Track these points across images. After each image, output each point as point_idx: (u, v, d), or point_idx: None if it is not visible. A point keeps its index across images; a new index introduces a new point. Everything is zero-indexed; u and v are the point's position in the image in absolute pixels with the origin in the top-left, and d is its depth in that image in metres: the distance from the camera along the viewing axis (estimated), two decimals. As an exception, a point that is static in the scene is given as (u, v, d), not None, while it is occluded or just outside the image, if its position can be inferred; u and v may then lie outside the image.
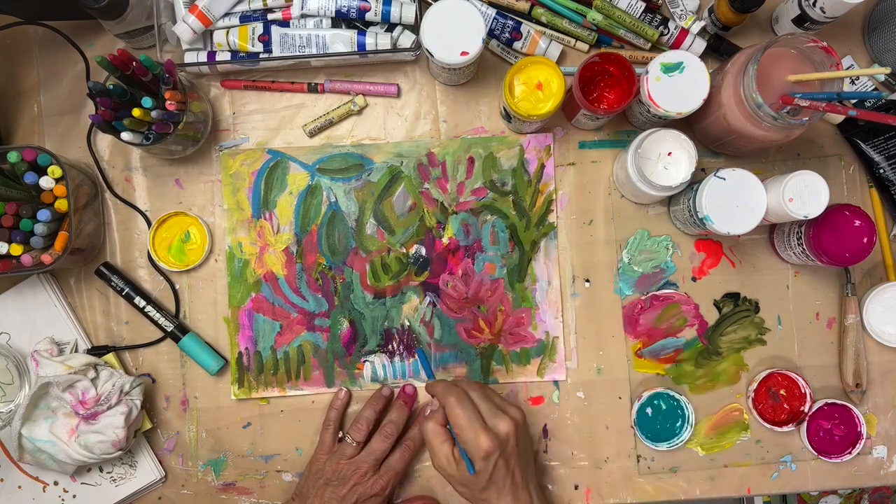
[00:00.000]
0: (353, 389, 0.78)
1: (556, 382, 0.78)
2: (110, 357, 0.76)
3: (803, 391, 0.75)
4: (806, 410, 0.75)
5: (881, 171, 0.76)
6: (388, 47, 0.74)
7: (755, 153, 0.78)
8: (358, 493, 0.71)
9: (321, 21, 0.75)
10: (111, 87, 0.68)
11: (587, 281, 0.78)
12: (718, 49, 0.76)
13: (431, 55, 0.68)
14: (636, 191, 0.72)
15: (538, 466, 0.77)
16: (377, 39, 0.74)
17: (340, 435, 0.76)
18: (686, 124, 0.74)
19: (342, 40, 0.74)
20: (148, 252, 0.77)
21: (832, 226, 0.69)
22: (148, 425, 0.76)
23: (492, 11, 0.75)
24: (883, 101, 0.76)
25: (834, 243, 0.69)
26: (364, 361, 0.78)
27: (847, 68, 0.77)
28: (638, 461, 0.77)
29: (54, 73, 0.79)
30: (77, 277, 0.78)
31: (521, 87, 0.71)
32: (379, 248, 0.78)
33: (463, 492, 0.66)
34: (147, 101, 0.68)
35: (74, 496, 0.77)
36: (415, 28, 0.75)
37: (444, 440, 0.65)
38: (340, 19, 0.75)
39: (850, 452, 0.74)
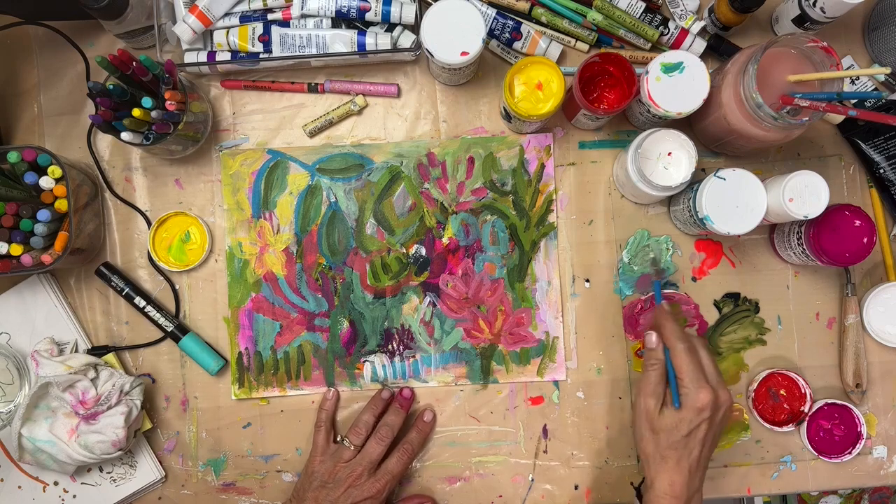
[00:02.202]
0: (353, 390, 0.78)
1: (556, 382, 0.78)
2: (110, 357, 0.76)
3: (803, 391, 0.75)
4: (806, 410, 0.75)
5: (881, 171, 0.76)
6: (388, 47, 0.74)
7: (755, 153, 0.78)
8: (352, 495, 0.70)
9: (321, 21, 0.75)
10: (111, 87, 0.68)
11: (587, 281, 0.78)
12: (718, 49, 0.76)
13: (431, 55, 0.68)
14: (636, 191, 0.72)
15: (539, 469, 0.77)
16: (377, 39, 0.74)
17: (339, 437, 0.76)
18: (686, 124, 0.74)
19: (342, 40, 0.74)
20: (148, 252, 0.77)
21: (832, 226, 0.69)
22: (148, 425, 0.76)
23: (492, 11, 0.75)
24: (883, 101, 0.76)
25: (834, 243, 0.69)
26: (364, 361, 0.78)
27: (847, 68, 0.77)
28: (638, 461, 0.77)
29: (54, 73, 0.79)
30: (77, 277, 0.78)
31: (521, 87, 0.71)
32: (379, 248, 0.78)
33: (648, 438, 0.65)
34: (147, 101, 0.68)
35: (74, 496, 0.77)
36: (415, 28, 0.75)
37: (661, 382, 0.65)
38: (340, 19, 0.75)
39: (850, 452, 0.74)
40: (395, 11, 0.73)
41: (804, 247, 0.71)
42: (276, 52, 0.75)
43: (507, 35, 0.75)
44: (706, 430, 0.63)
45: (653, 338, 0.67)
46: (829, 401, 0.75)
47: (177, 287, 0.78)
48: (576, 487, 0.77)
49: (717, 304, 0.78)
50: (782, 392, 0.76)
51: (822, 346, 0.78)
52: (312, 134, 0.78)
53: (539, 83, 0.70)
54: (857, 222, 0.69)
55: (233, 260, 0.78)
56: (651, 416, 0.64)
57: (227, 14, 0.76)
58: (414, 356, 0.78)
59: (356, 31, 0.74)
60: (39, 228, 0.69)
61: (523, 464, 0.77)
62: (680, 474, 0.63)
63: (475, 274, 0.78)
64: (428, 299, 0.78)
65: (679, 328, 0.66)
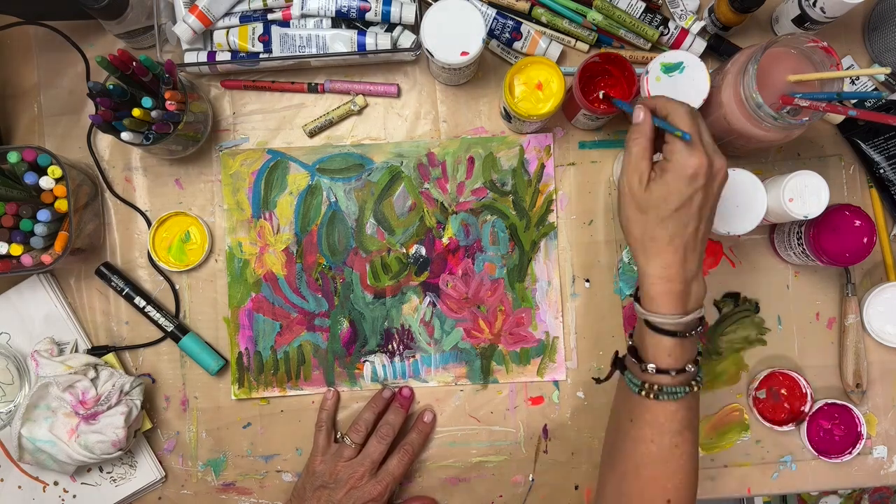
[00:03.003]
0: (353, 390, 0.78)
1: (556, 382, 0.78)
2: (110, 357, 0.76)
3: (804, 391, 0.75)
4: (806, 410, 0.75)
5: (881, 171, 0.76)
6: (388, 47, 0.74)
7: (755, 153, 0.78)
8: (354, 497, 0.70)
9: (321, 21, 0.75)
10: (111, 87, 0.68)
11: (587, 281, 0.78)
12: (718, 49, 0.76)
13: (431, 55, 0.68)
14: (636, 191, 0.72)
15: (539, 469, 0.77)
16: (377, 39, 0.74)
17: (339, 435, 0.76)
18: (686, 124, 0.74)
19: (342, 40, 0.74)
20: (148, 252, 0.77)
21: (832, 226, 0.69)
22: (148, 425, 0.76)
23: (492, 11, 0.75)
24: (883, 101, 0.76)
25: (834, 243, 0.69)
26: (364, 361, 0.78)
27: (847, 68, 0.77)
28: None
29: (54, 73, 0.79)
30: (77, 277, 0.78)
31: (521, 87, 0.71)
32: (379, 248, 0.78)
33: (634, 219, 0.56)
34: (147, 101, 0.68)
35: (74, 496, 0.77)
36: (415, 28, 0.75)
37: (646, 157, 0.56)
38: (340, 19, 0.75)
39: (850, 452, 0.74)
40: (395, 11, 0.73)
41: (804, 247, 0.71)
42: (276, 52, 0.75)
43: (507, 35, 0.75)
44: (701, 201, 0.54)
45: (640, 112, 0.57)
46: (829, 401, 0.75)
47: (177, 287, 0.78)
48: (576, 487, 0.77)
49: (717, 304, 0.78)
50: (783, 391, 0.76)
51: (822, 346, 0.78)
52: (312, 134, 0.78)
53: (539, 83, 0.70)
54: (857, 222, 0.69)
55: (233, 260, 0.78)
56: (636, 194, 0.55)
57: (227, 14, 0.76)
58: (414, 356, 0.78)
59: (356, 31, 0.74)
60: (39, 228, 0.69)
61: (523, 464, 0.77)
62: (674, 253, 0.55)
63: (475, 274, 0.78)
64: (428, 299, 0.78)
65: (669, 99, 0.57)
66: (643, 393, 0.57)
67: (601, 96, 0.71)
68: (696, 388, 0.57)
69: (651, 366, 0.56)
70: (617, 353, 0.63)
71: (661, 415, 0.56)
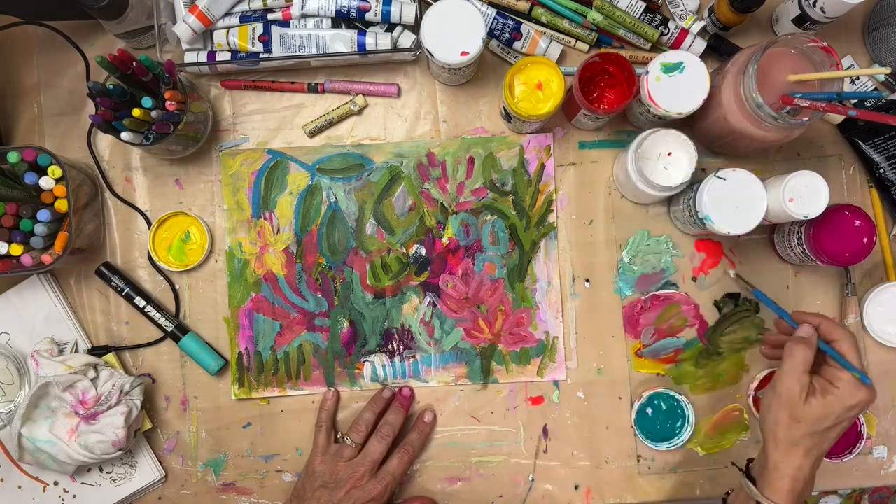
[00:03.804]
0: (353, 390, 0.78)
1: (556, 382, 0.78)
2: (110, 357, 0.76)
3: (803, 391, 0.75)
4: (806, 410, 0.75)
5: (881, 171, 0.76)
6: (388, 47, 0.74)
7: (755, 153, 0.78)
8: (355, 496, 0.70)
9: (321, 21, 0.75)
10: (111, 87, 0.68)
11: (587, 281, 0.78)
12: (718, 49, 0.76)
13: (431, 55, 0.68)
14: (636, 191, 0.72)
15: (539, 469, 0.77)
16: (377, 39, 0.74)
17: (339, 435, 0.76)
18: (686, 124, 0.74)
19: (342, 40, 0.74)
20: (148, 252, 0.77)
21: (832, 226, 0.69)
22: (148, 425, 0.76)
23: (492, 11, 0.75)
24: (883, 101, 0.76)
25: (834, 243, 0.69)
26: (364, 361, 0.78)
27: (847, 68, 0.77)
28: (638, 461, 0.77)
29: (54, 73, 0.79)
30: (77, 277, 0.78)
31: (521, 87, 0.71)
32: (379, 248, 0.78)
33: (783, 423, 0.61)
34: (147, 101, 0.68)
35: (74, 496, 0.77)
36: (415, 28, 0.75)
37: (807, 371, 0.61)
38: (340, 19, 0.75)
39: (850, 452, 0.74)
40: (395, 11, 0.73)
41: (804, 247, 0.71)
42: (276, 52, 0.75)
43: (507, 35, 0.75)
44: (848, 424, 0.61)
45: (809, 329, 0.63)
46: (829, 401, 0.75)
47: (177, 287, 0.78)
48: (576, 487, 0.77)
49: (717, 304, 0.78)
50: (782, 392, 0.76)
51: (822, 346, 0.78)
52: (312, 134, 0.78)
53: (539, 83, 0.70)
54: (857, 222, 0.69)
55: (233, 260, 0.78)
56: (794, 403, 0.60)
57: (227, 14, 0.76)
58: (414, 356, 0.78)
59: (356, 31, 0.74)
60: (39, 228, 0.69)
61: (523, 464, 0.77)
62: (808, 461, 0.61)
63: (475, 274, 0.78)
64: (428, 299, 0.78)
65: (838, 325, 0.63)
66: None
67: (753, 295, 0.72)
68: None
69: None
70: (749, 462, 0.67)
71: None
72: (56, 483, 0.77)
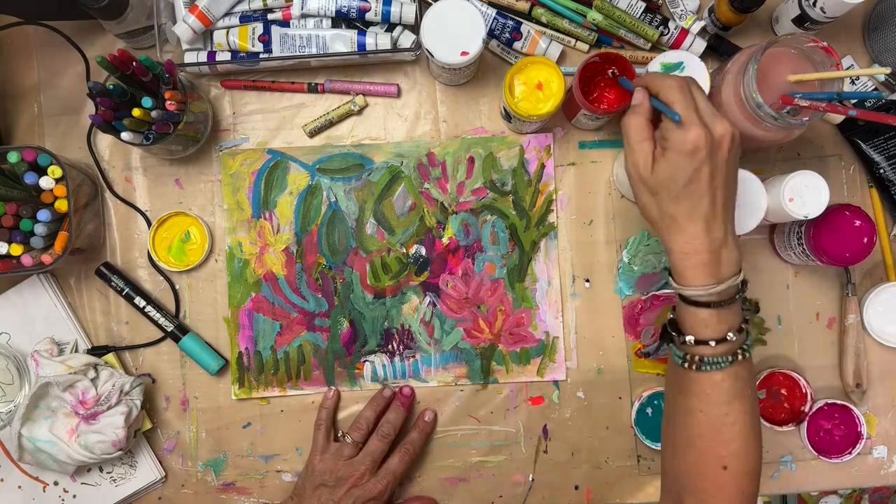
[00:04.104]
0: (353, 389, 0.78)
1: (556, 382, 0.78)
2: (110, 357, 0.76)
3: (804, 391, 0.75)
4: (806, 410, 0.75)
5: (881, 171, 0.76)
6: (388, 47, 0.74)
7: (755, 153, 0.78)
8: (355, 495, 0.70)
9: (321, 21, 0.75)
10: (111, 87, 0.68)
11: (587, 281, 0.78)
12: (718, 49, 0.76)
13: (431, 55, 0.68)
14: (636, 191, 0.72)
15: (539, 469, 0.77)
16: (377, 39, 0.74)
17: (339, 434, 0.76)
18: (686, 124, 0.74)
19: (342, 40, 0.74)
20: (148, 252, 0.77)
21: (832, 226, 0.69)
22: (148, 425, 0.76)
23: (492, 11, 0.75)
24: (883, 101, 0.76)
25: (834, 243, 0.69)
26: (364, 361, 0.78)
27: (847, 68, 0.77)
28: (638, 461, 0.77)
29: (54, 73, 0.79)
30: (77, 277, 0.78)
31: (521, 87, 0.71)
32: (379, 248, 0.78)
33: (648, 203, 0.56)
34: (147, 101, 0.68)
35: (74, 496, 0.77)
36: (415, 28, 0.75)
37: (646, 138, 0.55)
38: (340, 19, 0.75)
39: (850, 452, 0.74)
40: (395, 11, 0.73)
41: (804, 247, 0.71)
42: (276, 52, 0.75)
43: (507, 35, 0.75)
44: (710, 172, 0.54)
45: (639, 93, 0.57)
46: (829, 401, 0.75)
47: (177, 287, 0.78)
48: (576, 487, 0.77)
49: (717, 304, 0.78)
50: (783, 391, 0.76)
51: (822, 346, 0.78)
52: (312, 134, 0.78)
53: (539, 83, 0.70)
54: (857, 222, 0.69)
55: (233, 260, 0.78)
56: (643, 176, 0.55)
57: (227, 14, 0.76)
58: (414, 356, 0.78)
59: (356, 31, 0.74)
60: (39, 228, 0.69)
61: (523, 464, 0.77)
62: (694, 227, 0.54)
63: (475, 274, 0.78)
64: (428, 299, 0.78)
65: (664, 74, 0.56)
66: (686, 365, 0.56)
67: (610, 73, 0.70)
68: (742, 357, 0.56)
69: (689, 338, 0.56)
70: (665, 325, 0.61)
71: (707, 385, 0.56)
72: (56, 483, 0.77)
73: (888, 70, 0.64)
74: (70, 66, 0.79)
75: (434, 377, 0.78)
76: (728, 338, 0.56)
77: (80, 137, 0.78)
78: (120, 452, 0.71)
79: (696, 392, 0.56)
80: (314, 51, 0.75)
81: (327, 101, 0.79)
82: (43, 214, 0.69)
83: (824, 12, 0.69)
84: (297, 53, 0.74)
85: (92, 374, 0.73)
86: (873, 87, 0.78)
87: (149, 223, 0.78)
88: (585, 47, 0.78)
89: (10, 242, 0.69)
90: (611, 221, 0.78)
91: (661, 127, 0.56)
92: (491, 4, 0.76)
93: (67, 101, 0.79)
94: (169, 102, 0.68)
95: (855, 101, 0.71)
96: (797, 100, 0.64)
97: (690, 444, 0.57)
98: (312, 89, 0.78)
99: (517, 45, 0.76)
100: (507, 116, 0.74)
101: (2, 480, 0.77)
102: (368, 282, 0.78)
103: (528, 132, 0.78)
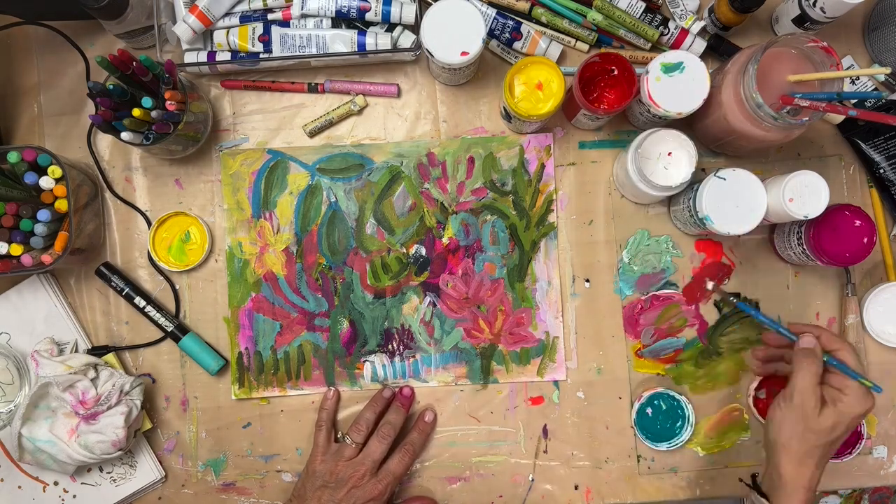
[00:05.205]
0: (353, 390, 0.78)
1: (556, 382, 0.78)
2: (110, 357, 0.76)
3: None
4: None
5: (881, 171, 0.76)
6: (388, 47, 0.74)
7: (755, 153, 0.78)
8: (355, 496, 0.70)
9: (321, 21, 0.75)
10: (111, 87, 0.68)
11: (587, 281, 0.78)
12: (718, 49, 0.76)
13: (431, 55, 0.68)
14: (636, 191, 0.72)
15: (539, 469, 0.77)
16: (377, 39, 0.74)
17: (339, 435, 0.76)
18: (686, 124, 0.74)
19: (342, 40, 0.74)
20: (148, 252, 0.77)
21: (832, 226, 0.69)
22: (148, 425, 0.76)
23: (492, 11, 0.75)
24: (883, 101, 0.76)
25: (834, 243, 0.69)
26: (364, 361, 0.78)
27: (847, 68, 0.77)
28: (638, 461, 0.77)
29: (54, 73, 0.79)
30: (77, 277, 0.78)
31: (521, 87, 0.71)
32: (379, 248, 0.78)
33: (799, 436, 0.62)
34: (147, 101, 0.68)
35: (74, 496, 0.77)
36: (415, 28, 0.75)
37: (819, 383, 0.63)
38: (340, 19, 0.75)
39: (850, 452, 0.74)
40: (395, 11, 0.73)
41: (804, 247, 0.71)
42: (276, 52, 0.75)
43: (507, 35, 0.75)
44: (849, 432, 0.63)
45: (811, 339, 0.64)
46: (829, 401, 0.75)
47: (177, 287, 0.78)
48: (576, 487, 0.77)
49: (717, 304, 0.78)
50: (782, 392, 0.76)
51: (822, 346, 0.78)
52: (312, 134, 0.78)
53: (539, 83, 0.70)
54: (857, 222, 0.69)
55: (233, 260, 0.78)
56: (808, 415, 0.62)
57: (227, 14, 0.76)
58: (414, 356, 0.78)
59: (356, 31, 0.74)
60: (39, 228, 0.69)
61: (523, 464, 0.77)
62: (819, 471, 0.63)
63: (475, 274, 0.78)
64: (428, 299, 0.78)
65: (839, 338, 0.65)
66: None
67: (709, 287, 0.76)
68: None
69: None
70: (754, 477, 0.69)
71: None
72: (56, 483, 0.77)
73: (888, 70, 0.64)
74: (70, 66, 0.79)
75: (434, 377, 0.78)
76: None
77: (80, 137, 0.78)
78: (120, 452, 0.71)
79: None
80: (314, 51, 0.75)
81: (327, 101, 0.79)
82: (43, 214, 0.69)
83: (824, 12, 0.69)
84: (297, 53, 0.74)
85: (92, 374, 0.73)
86: (873, 87, 0.78)
87: (149, 223, 0.78)
88: (585, 47, 0.78)
89: (10, 242, 0.69)
90: (611, 221, 0.78)
91: (833, 379, 0.63)
92: (491, 4, 0.76)
93: (67, 101, 0.79)
94: (169, 102, 0.68)
95: (855, 101, 0.71)
96: (797, 100, 0.64)
97: None
98: (312, 89, 0.78)
99: (517, 45, 0.76)
100: (507, 116, 0.74)
101: (2, 480, 0.77)
102: (368, 282, 0.78)
103: (528, 132, 0.78)
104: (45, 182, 0.69)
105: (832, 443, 0.62)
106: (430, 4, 0.72)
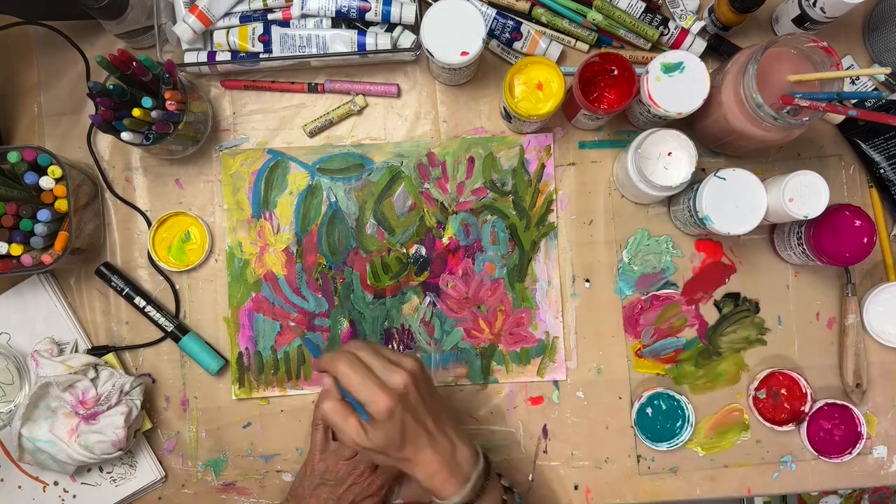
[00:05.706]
0: (353, 389, 0.78)
1: (556, 382, 0.78)
2: (110, 357, 0.76)
3: (804, 391, 0.75)
4: (806, 410, 0.75)
5: (881, 171, 0.76)
6: (388, 47, 0.74)
7: (755, 153, 0.78)
8: (355, 493, 0.70)
9: (321, 21, 0.75)
10: (111, 87, 0.68)
11: (587, 281, 0.78)
12: (718, 49, 0.76)
13: (431, 55, 0.68)
14: (636, 191, 0.72)
15: (539, 469, 0.77)
16: (377, 39, 0.74)
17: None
18: (686, 124, 0.74)
19: (342, 40, 0.74)
20: (148, 252, 0.77)
21: (832, 226, 0.69)
22: (148, 425, 0.76)
23: (492, 11, 0.75)
24: (883, 101, 0.76)
25: (834, 243, 0.69)
26: (364, 361, 0.78)
27: (847, 68, 0.77)
28: (638, 461, 0.77)
29: (54, 73, 0.79)
30: (77, 277, 0.78)
31: (521, 87, 0.71)
32: (379, 248, 0.78)
33: (383, 460, 0.61)
34: (147, 101, 0.68)
35: (74, 496, 0.77)
36: (415, 28, 0.75)
37: (347, 414, 0.58)
38: (340, 19, 0.75)
39: (850, 452, 0.74)
40: (395, 11, 0.73)
41: (804, 247, 0.71)
42: (276, 52, 0.75)
43: (507, 35, 0.75)
44: (412, 417, 0.59)
45: (326, 378, 0.60)
46: (830, 401, 0.75)
47: (177, 287, 0.78)
48: (576, 487, 0.77)
49: (717, 304, 0.78)
50: (783, 391, 0.76)
51: (822, 346, 0.78)
52: (312, 134, 0.78)
53: (539, 83, 0.70)
54: (857, 222, 0.69)
55: (233, 260, 0.78)
56: (365, 445, 0.58)
57: (227, 14, 0.76)
58: (414, 356, 0.78)
59: (356, 31, 0.74)
60: (39, 228, 0.69)
61: (523, 464, 0.77)
62: (424, 454, 0.60)
63: (475, 274, 0.78)
64: (428, 299, 0.78)
65: (333, 352, 0.59)
66: None
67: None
68: None
69: None
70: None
71: None
72: (56, 483, 0.77)
73: (888, 70, 0.64)
74: (70, 66, 0.79)
75: (434, 377, 0.78)
76: None
77: (80, 137, 0.78)
78: (120, 452, 0.71)
79: None
80: (314, 51, 0.75)
81: (327, 101, 0.79)
82: (43, 214, 0.69)
83: (824, 12, 0.69)
84: (297, 53, 0.74)
85: (92, 374, 0.73)
86: (873, 87, 0.78)
87: (149, 223, 0.78)
88: (585, 47, 0.78)
89: (10, 242, 0.69)
90: (611, 221, 0.78)
91: (356, 400, 0.58)
92: (491, 4, 0.76)
93: (67, 101, 0.79)
94: (169, 102, 0.68)
95: (855, 101, 0.71)
96: (797, 100, 0.64)
97: None
98: (312, 89, 0.78)
99: (517, 45, 0.76)
100: (507, 116, 0.74)
101: (2, 480, 0.77)
102: (368, 282, 0.78)
103: (528, 132, 0.78)
104: (45, 182, 0.69)
105: (409, 439, 0.59)
106: (430, 4, 0.72)
